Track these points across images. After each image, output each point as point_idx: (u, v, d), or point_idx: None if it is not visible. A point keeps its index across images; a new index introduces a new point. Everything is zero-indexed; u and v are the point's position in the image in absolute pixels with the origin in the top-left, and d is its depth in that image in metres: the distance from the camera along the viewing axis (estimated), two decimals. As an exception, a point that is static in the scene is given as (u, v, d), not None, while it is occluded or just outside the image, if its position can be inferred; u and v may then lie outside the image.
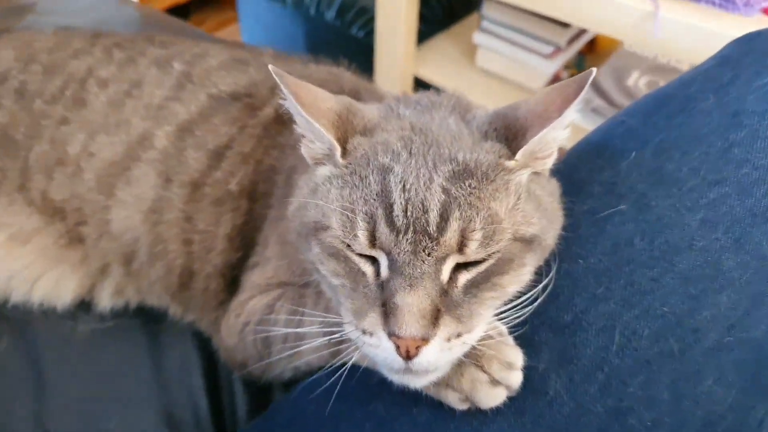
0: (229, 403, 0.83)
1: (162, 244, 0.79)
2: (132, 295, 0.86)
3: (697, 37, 1.12)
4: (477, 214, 0.47)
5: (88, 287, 0.85)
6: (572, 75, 1.74)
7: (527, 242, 0.50)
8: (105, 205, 0.80)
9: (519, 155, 0.50)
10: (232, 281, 0.77)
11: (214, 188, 0.77)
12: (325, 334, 0.54)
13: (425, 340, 0.46)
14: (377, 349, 0.48)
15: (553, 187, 0.57)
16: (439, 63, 1.84)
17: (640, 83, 1.65)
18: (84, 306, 0.86)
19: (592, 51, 1.85)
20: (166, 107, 0.82)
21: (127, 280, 0.84)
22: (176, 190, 0.78)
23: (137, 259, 0.81)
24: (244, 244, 0.76)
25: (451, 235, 0.46)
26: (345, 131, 0.53)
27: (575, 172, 0.62)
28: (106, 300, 0.85)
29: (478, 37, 1.74)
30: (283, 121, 0.79)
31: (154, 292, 0.84)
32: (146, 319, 0.87)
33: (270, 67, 0.51)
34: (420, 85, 1.81)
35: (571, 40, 1.68)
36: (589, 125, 1.32)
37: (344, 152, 0.52)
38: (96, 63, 0.88)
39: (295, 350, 0.60)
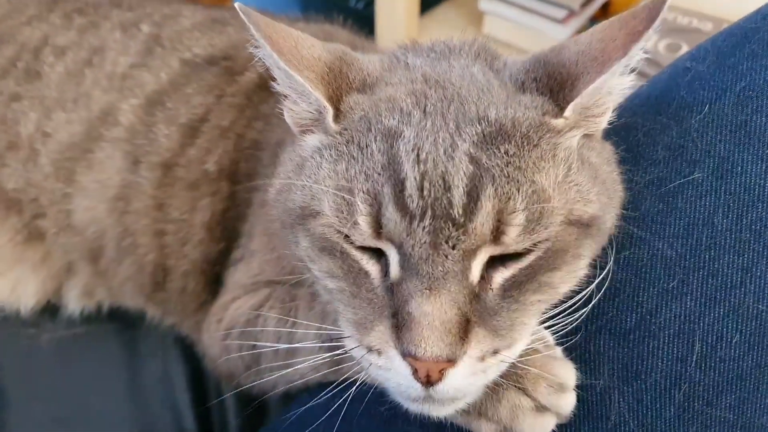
0: (219, 422, 0.77)
1: (131, 237, 0.73)
2: (103, 296, 0.81)
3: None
4: (517, 190, 0.39)
5: (52, 289, 0.80)
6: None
7: (585, 226, 0.43)
8: (65, 194, 0.74)
9: (569, 111, 0.43)
10: (213, 279, 0.72)
11: (188, 169, 0.71)
12: (323, 349, 0.49)
13: (451, 361, 0.39)
14: (388, 373, 0.41)
15: (608, 153, 0.49)
16: (444, 33, 1.81)
17: (659, 47, 1.59)
18: (50, 311, 0.81)
19: (607, 14, 1.83)
20: (132, 76, 0.76)
21: (96, 280, 0.79)
22: (145, 174, 0.72)
23: (105, 255, 0.76)
24: (226, 234, 0.71)
25: (484, 220, 0.39)
26: (338, 87, 0.46)
27: (631, 133, 0.54)
28: (73, 303, 0.80)
29: (484, 4, 1.70)
30: (268, 87, 0.71)
31: (126, 293, 0.79)
32: (121, 323, 0.82)
33: (236, 4, 0.43)
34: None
35: (585, 3, 1.63)
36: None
37: (337, 114, 0.45)
38: (52, 29, 0.82)
39: (287, 369, 0.52)
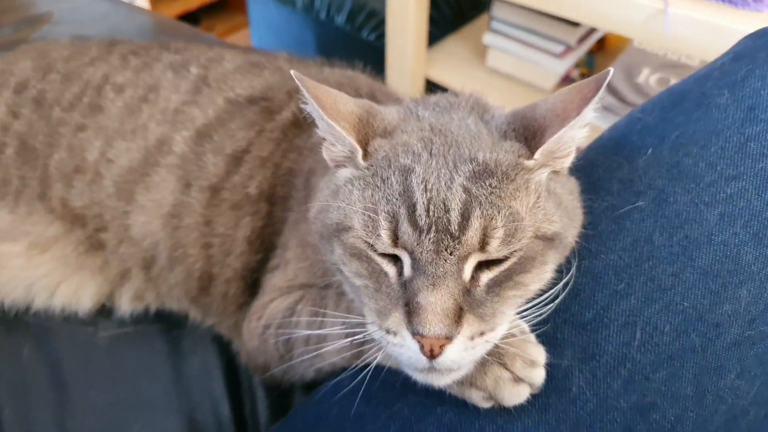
0: (250, 408, 0.83)
1: (181, 249, 0.79)
2: (152, 300, 0.87)
3: (708, 33, 1.12)
4: (498, 212, 0.47)
5: (108, 293, 0.86)
6: (583, 74, 1.75)
7: (549, 240, 0.50)
8: (125, 211, 0.80)
9: (538, 154, 0.50)
10: (251, 284, 0.77)
11: (233, 192, 0.77)
12: (348, 335, 0.55)
13: (449, 338, 0.46)
14: (401, 349, 0.48)
15: (573, 185, 0.57)
16: (450, 64, 1.83)
17: (650, 80, 1.65)
18: (105, 312, 0.87)
19: (602, 49, 1.84)
20: (184, 112, 0.82)
21: (147, 285, 0.85)
22: (195, 195, 0.78)
23: (157, 264, 0.82)
24: (264, 247, 0.77)
25: (473, 234, 0.46)
26: (366, 134, 0.53)
27: (593, 169, 0.62)
28: (126, 305, 0.86)
29: (488, 38, 1.74)
30: (300, 124, 0.79)
31: (173, 297, 0.84)
32: (166, 324, 0.87)
33: (292, 72, 0.51)
34: (431, 86, 1.81)
35: (581, 39, 1.68)
36: (601, 123, 1.32)
37: (365, 154, 0.52)
38: (112, 70, 0.89)
39: (318, 352, 0.59)
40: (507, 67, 1.76)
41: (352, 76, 0.87)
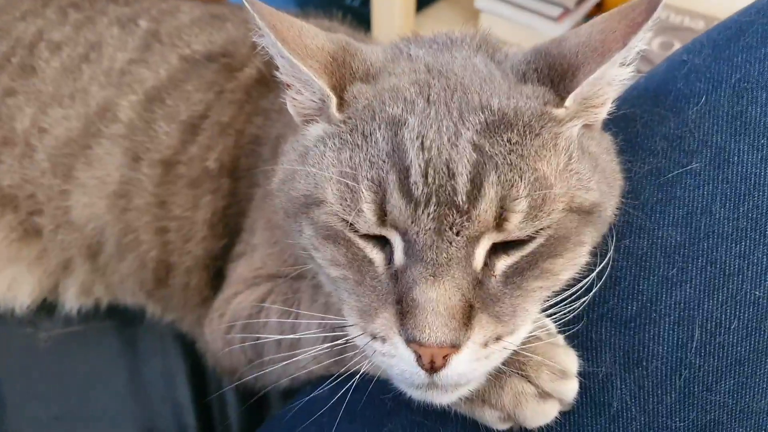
0: (220, 418, 0.79)
1: (132, 234, 0.74)
2: (102, 293, 0.81)
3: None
4: (520, 177, 0.40)
5: (48, 287, 0.80)
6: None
7: (585, 213, 0.44)
8: (62, 190, 0.75)
9: (570, 101, 0.44)
10: (216, 274, 0.73)
11: (189, 166, 0.73)
12: (326, 339, 0.49)
13: (455, 346, 0.40)
14: (392, 359, 0.42)
15: (607, 143, 0.50)
16: (440, 30, 1.85)
17: (653, 45, 1.61)
18: (47, 309, 0.81)
19: (601, 12, 1.85)
20: (131, 72, 0.77)
21: (94, 277, 0.79)
22: (146, 171, 0.73)
23: (104, 252, 0.77)
24: (228, 230, 0.73)
25: (487, 207, 0.40)
26: (341, 77, 0.46)
27: (630, 125, 0.55)
28: (71, 300, 0.81)
29: (480, 2, 1.72)
30: (267, 82, 0.73)
31: (126, 290, 0.80)
32: (120, 321, 0.82)
33: None
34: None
35: (579, 1, 1.65)
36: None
37: (341, 103, 0.46)
38: (47, 25, 0.83)
39: (290, 360, 0.53)
40: (501, 32, 1.73)
41: (329, 26, 0.82)
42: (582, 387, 0.46)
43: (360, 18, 1.77)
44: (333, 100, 0.45)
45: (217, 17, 0.83)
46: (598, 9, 1.79)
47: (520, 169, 0.40)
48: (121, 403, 0.75)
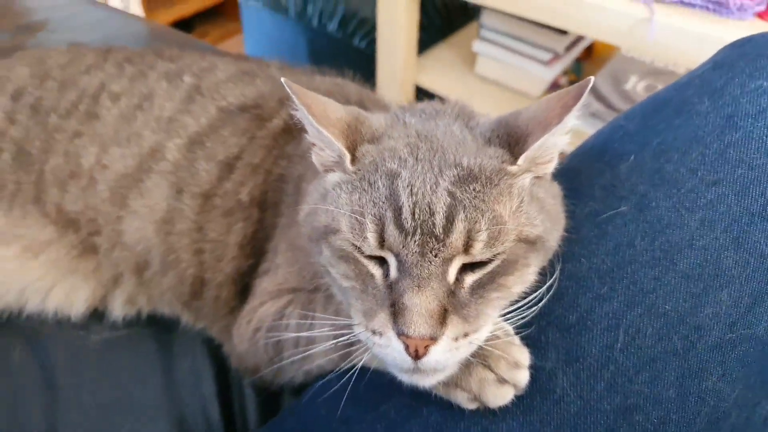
0: (240, 410, 0.83)
1: (174, 254, 0.79)
2: (144, 304, 0.86)
3: (692, 41, 1.13)
4: (482, 216, 0.47)
5: (100, 297, 0.85)
6: (571, 81, 1.78)
7: (531, 243, 0.51)
8: (118, 216, 0.80)
9: (521, 160, 0.51)
10: (242, 289, 0.77)
11: (224, 199, 0.78)
12: (335, 336, 0.55)
13: (433, 339, 0.46)
14: (387, 349, 0.48)
15: (555, 190, 0.57)
16: (440, 71, 1.85)
17: (638, 87, 1.66)
18: (97, 315, 0.86)
19: (590, 57, 1.86)
20: (177, 120, 0.82)
21: (139, 290, 0.84)
22: (188, 201, 0.78)
23: (149, 268, 0.82)
24: (255, 252, 0.77)
25: (457, 236, 0.47)
26: (354, 139, 0.53)
27: (576, 175, 0.63)
28: (118, 309, 0.86)
29: (477, 46, 1.76)
30: (290, 131, 0.80)
31: (165, 301, 0.85)
32: (158, 328, 0.87)
33: (282, 79, 0.52)
34: (421, 93, 1.83)
35: (569, 47, 1.70)
36: (589, 129, 1.33)
37: (353, 159, 0.53)
38: (108, 78, 0.89)
39: (306, 354, 0.60)
40: (496, 74, 1.78)
41: (341, 84, 0.87)
42: (532, 377, 0.51)
43: (366, 58, 1.84)
44: (347, 157, 0.52)
45: (247, 74, 0.88)
46: (588, 54, 1.83)
47: (482, 210, 0.47)
48: (156, 397, 0.81)
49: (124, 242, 0.81)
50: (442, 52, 1.93)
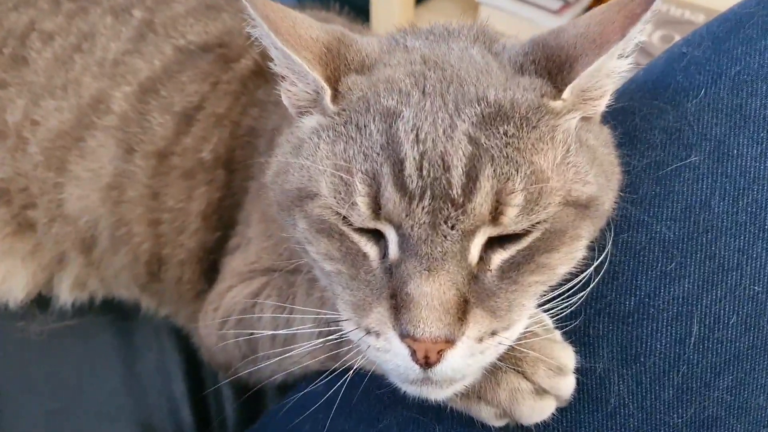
0: (216, 411, 0.79)
1: (125, 227, 0.74)
2: (96, 287, 0.81)
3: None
4: (516, 170, 0.40)
5: (42, 281, 0.80)
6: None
7: (582, 207, 0.43)
8: (56, 183, 0.74)
9: (567, 93, 0.43)
10: (209, 268, 0.72)
11: (183, 158, 0.72)
12: (321, 334, 0.48)
13: (450, 342, 0.39)
14: (386, 354, 0.41)
15: (607, 136, 0.50)
16: (438, 22, 1.86)
17: (653, 38, 1.60)
18: (41, 302, 0.80)
19: (602, 4, 1.87)
20: (125, 63, 0.76)
21: (89, 271, 0.79)
22: (140, 163, 0.72)
23: (98, 245, 0.76)
24: (222, 223, 0.72)
25: (482, 200, 0.39)
26: (336, 68, 0.46)
27: (628, 118, 0.55)
28: (65, 294, 0.80)
29: None
30: (263, 73, 0.72)
31: (121, 284, 0.79)
32: (115, 315, 0.82)
33: None
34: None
35: None
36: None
37: (336, 95, 0.45)
38: (39, 15, 0.81)
39: (285, 355, 0.52)
40: (500, 25, 1.81)
41: (326, 17, 0.81)
42: (579, 383, 0.46)
43: (358, 10, 1.76)
44: (327, 92, 0.44)
45: (212, 7, 0.81)
46: (599, 2, 1.83)
47: (517, 162, 0.40)
48: (116, 398, 0.75)
49: (66, 215, 0.75)
50: (441, 1, 1.89)
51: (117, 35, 0.77)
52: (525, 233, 0.41)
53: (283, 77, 0.47)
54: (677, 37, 1.60)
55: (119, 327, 0.80)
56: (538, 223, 0.41)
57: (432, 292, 0.39)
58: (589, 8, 1.74)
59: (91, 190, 0.73)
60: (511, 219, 0.40)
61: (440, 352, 0.39)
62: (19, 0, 0.83)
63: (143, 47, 0.76)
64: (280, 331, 0.53)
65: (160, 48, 0.76)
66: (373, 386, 0.50)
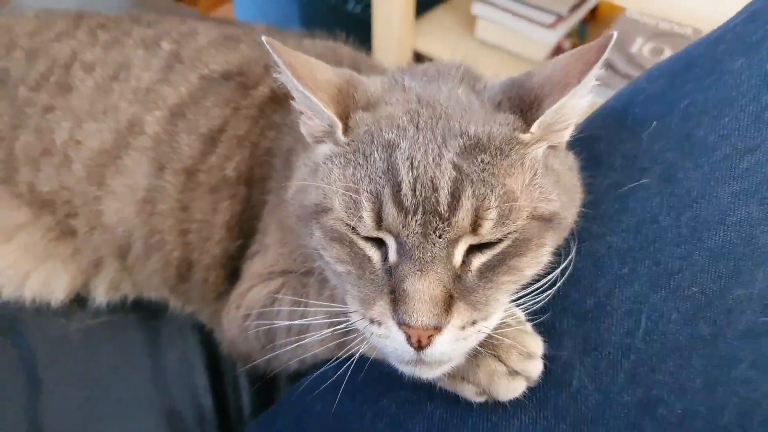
0: (233, 401, 0.81)
1: (157, 236, 0.77)
2: (128, 289, 0.84)
3: (703, -2, 1.08)
4: (491, 191, 0.45)
5: (81, 282, 0.83)
6: (574, 44, 1.74)
7: (546, 221, 0.48)
8: (96, 196, 0.78)
9: (535, 127, 0.48)
10: (232, 271, 0.76)
11: (209, 175, 0.75)
12: (330, 324, 0.53)
13: (438, 328, 0.44)
14: (386, 340, 0.46)
15: (571, 161, 0.55)
16: (439, 36, 1.82)
17: (644, 50, 1.62)
18: (79, 302, 0.84)
19: (594, 19, 1.82)
20: (156, 90, 0.79)
21: (123, 274, 0.82)
22: (170, 179, 0.76)
23: (132, 252, 0.79)
24: (243, 232, 0.75)
25: (464, 215, 0.45)
26: (346, 106, 0.51)
27: (594, 144, 0.60)
28: (101, 295, 0.83)
29: (477, 8, 1.72)
30: (279, 99, 0.77)
31: (151, 286, 0.83)
32: (144, 313, 0.85)
33: (263, 38, 0.48)
34: (419, 58, 1.79)
35: (573, 9, 1.66)
36: (593, 96, 1.30)
37: (346, 128, 0.50)
38: (80, 46, 0.85)
39: (300, 342, 0.57)
40: (496, 38, 1.75)
41: (333, 47, 0.85)
42: (546, 368, 0.50)
43: (361, 24, 1.79)
44: (339, 126, 0.49)
45: (231, 39, 0.84)
46: (592, 16, 1.79)
47: (492, 184, 0.45)
48: (143, 387, 0.78)
49: (104, 224, 0.78)
50: (440, 15, 1.88)
51: (148, 66, 0.81)
52: (498, 241, 0.46)
53: (302, 112, 0.53)
54: (666, 50, 1.61)
55: (148, 325, 0.83)
56: (509, 233, 0.46)
57: (423, 289, 0.44)
58: (583, 22, 1.74)
59: (127, 203, 0.77)
60: (487, 230, 0.45)
61: (430, 337, 0.44)
62: (60, 31, 0.87)
63: (171, 76, 0.79)
64: (296, 321, 0.58)
65: (186, 77, 0.79)
66: (374, 371, 0.54)
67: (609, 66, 1.61)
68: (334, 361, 0.56)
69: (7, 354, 0.79)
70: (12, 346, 0.79)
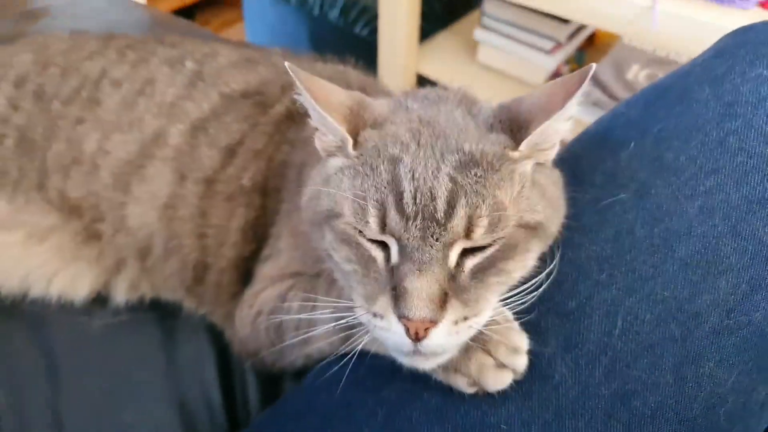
0: (241, 394, 0.84)
1: (177, 239, 0.80)
2: (147, 289, 0.87)
3: (695, 30, 1.14)
4: (483, 201, 0.48)
5: (103, 282, 0.86)
6: (573, 69, 1.77)
7: (531, 229, 0.51)
8: (121, 202, 0.81)
9: (523, 146, 0.52)
10: (244, 274, 0.78)
11: (227, 184, 0.78)
12: (337, 319, 0.56)
13: (433, 322, 0.47)
14: (387, 332, 0.49)
15: (557, 177, 0.58)
16: (442, 60, 1.86)
17: (639, 76, 1.66)
18: (100, 301, 0.87)
19: (592, 45, 1.86)
20: (179, 105, 0.83)
21: (142, 275, 0.85)
22: (190, 187, 0.79)
23: (152, 254, 0.82)
24: (257, 237, 0.78)
25: (458, 222, 0.48)
26: (356, 124, 0.54)
27: (578, 162, 0.63)
28: (121, 294, 0.86)
29: (479, 34, 1.75)
30: (293, 117, 0.81)
31: (168, 287, 0.85)
32: (161, 313, 0.88)
33: (287, 64, 0.53)
34: (423, 81, 1.83)
35: (571, 36, 1.70)
36: (590, 118, 1.34)
37: (355, 144, 0.53)
38: (109, 64, 0.89)
39: (307, 336, 0.60)
40: (497, 62, 1.79)
41: (343, 71, 0.88)
42: (531, 363, 0.52)
43: (368, 46, 1.83)
44: (350, 142, 0.53)
45: (250, 60, 0.88)
46: (590, 42, 1.83)
47: (483, 195, 0.48)
48: (158, 381, 0.81)
49: (127, 228, 0.81)
50: (443, 40, 1.92)
51: (173, 82, 0.84)
52: (489, 246, 0.49)
53: (317, 129, 0.56)
54: (661, 75, 1.65)
55: (163, 323, 0.87)
56: (498, 239, 0.49)
57: (421, 287, 0.47)
58: (581, 48, 1.78)
59: (149, 209, 0.80)
60: (479, 235, 0.48)
61: (427, 330, 0.47)
62: (93, 51, 0.92)
63: (194, 93, 0.83)
64: (304, 316, 0.60)
65: (208, 94, 0.83)
66: (375, 364, 0.58)
67: (606, 91, 1.67)
68: (338, 354, 0.59)
69: (32, 348, 0.82)
70: (37, 341, 0.83)
